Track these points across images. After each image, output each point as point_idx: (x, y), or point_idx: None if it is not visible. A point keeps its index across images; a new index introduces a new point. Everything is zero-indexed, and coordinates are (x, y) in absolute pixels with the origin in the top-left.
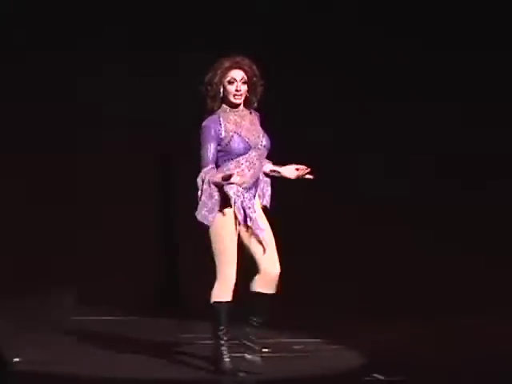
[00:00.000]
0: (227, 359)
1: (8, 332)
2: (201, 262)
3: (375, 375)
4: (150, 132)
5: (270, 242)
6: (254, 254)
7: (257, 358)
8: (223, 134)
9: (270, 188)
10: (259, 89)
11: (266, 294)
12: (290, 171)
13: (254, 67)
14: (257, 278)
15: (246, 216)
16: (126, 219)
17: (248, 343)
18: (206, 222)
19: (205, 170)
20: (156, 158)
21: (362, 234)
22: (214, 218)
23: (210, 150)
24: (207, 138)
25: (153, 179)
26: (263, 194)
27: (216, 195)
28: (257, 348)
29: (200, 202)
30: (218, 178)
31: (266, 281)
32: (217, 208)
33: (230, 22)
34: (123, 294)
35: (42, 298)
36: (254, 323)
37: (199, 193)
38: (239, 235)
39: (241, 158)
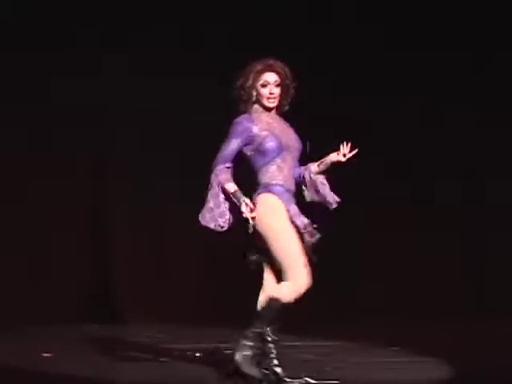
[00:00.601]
0: (277, 365)
1: None
2: (134, 266)
3: (306, 379)
4: (81, 132)
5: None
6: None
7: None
8: (255, 131)
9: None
10: (291, 92)
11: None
12: (336, 155)
13: (287, 69)
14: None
15: (302, 219)
16: (56, 224)
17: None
18: (212, 227)
19: (218, 168)
20: (85, 160)
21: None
22: (225, 222)
23: (232, 145)
24: (234, 133)
25: (83, 182)
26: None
27: (225, 200)
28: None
29: (206, 206)
30: (231, 189)
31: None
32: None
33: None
34: (50, 301)
35: None
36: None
37: (208, 193)
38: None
39: (278, 159)
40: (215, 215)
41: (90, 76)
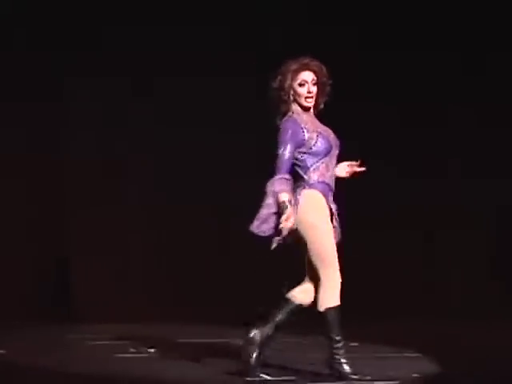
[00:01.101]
0: (345, 364)
1: None
2: (91, 266)
3: (262, 375)
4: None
5: None
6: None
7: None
8: (306, 135)
9: None
10: (328, 89)
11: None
12: (342, 170)
13: (323, 68)
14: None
15: (332, 216)
16: (13, 223)
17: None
18: (260, 233)
19: (275, 178)
20: (38, 158)
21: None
22: (268, 229)
23: (287, 153)
24: (286, 140)
25: (39, 181)
26: None
27: (274, 208)
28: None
29: (259, 213)
30: (282, 198)
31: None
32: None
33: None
34: (9, 299)
35: None
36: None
37: (263, 204)
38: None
39: (327, 158)
40: (263, 224)
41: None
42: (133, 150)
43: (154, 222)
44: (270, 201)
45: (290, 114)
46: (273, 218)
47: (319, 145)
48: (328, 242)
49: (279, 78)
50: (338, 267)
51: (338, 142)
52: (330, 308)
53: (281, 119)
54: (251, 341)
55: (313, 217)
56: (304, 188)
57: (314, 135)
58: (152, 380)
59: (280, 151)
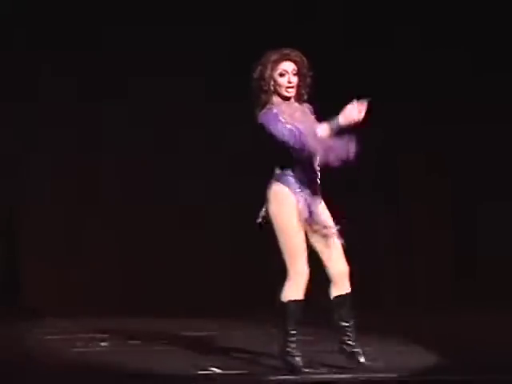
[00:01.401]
0: (297, 357)
1: None
2: (42, 260)
3: (212, 368)
4: None
5: (336, 240)
6: (320, 254)
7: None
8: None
9: None
10: (308, 80)
11: (342, 295)
12: (348, 115)
13: (304, 58)
14: (330, 283)
15: (310, 212)
16: None
17: (346, 348)
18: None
19: (309, 143)
20: None
21: None
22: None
23: (285, 126)
24: (271, 120)
25: None
26: None
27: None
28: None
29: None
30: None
31: (336, 282)
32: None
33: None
34: None
35: None
36: (344, 326)
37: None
38: (306, 234)
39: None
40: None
41: None
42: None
43: (107, 220)
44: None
45: (268, 106)
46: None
47: None
48: (291, 238)
49: (259, 68)
50: (303, 263)
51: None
52: (291, 301)
53: (260, 110)
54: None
55: (277, 211)
56: (272, 182)
57: (288, 127)
58: (108, 372)
59: (279, 131)
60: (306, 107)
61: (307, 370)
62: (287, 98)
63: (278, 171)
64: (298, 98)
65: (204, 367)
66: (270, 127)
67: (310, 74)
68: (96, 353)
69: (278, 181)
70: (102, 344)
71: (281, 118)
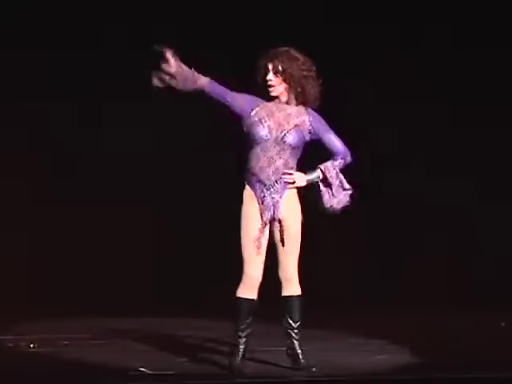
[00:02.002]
0: (238, 357)
1: None
2: None
3: (142, 369)
4: None
5: (291, 243)
6: (277, 253)
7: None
8: (252, 113)
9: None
10: (308, 85)
11: (290, 296)
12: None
13: (296, 58)
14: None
15: (273, 213)
16: None
17: (289, 350)
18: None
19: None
20: None
21: None
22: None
23: (235, 93)
24: (243, 93)
25: None
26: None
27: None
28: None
29: None
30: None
31: (284, 283)
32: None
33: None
34: None
35: None
36: (289, 327)
37: None
38: (271, 234)
39: (259, 148)
40: None
41: None
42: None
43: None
44: None
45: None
46: None
47: (252, 129)
48: (247, 241)
49: (257, 65)
50: (254, 267)
51: (289, 141)
52: (240, 298)
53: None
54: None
55: (242, 212)
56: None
57: (255, 119)
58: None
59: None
60: (307, 113)
61: (236, 370)
62: (274, 98)
63: (245, 166)
64: (291, 100)
65: (135, 367)
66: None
67: (310, 74)
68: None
69: (245, 181)
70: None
71: (248, 99)
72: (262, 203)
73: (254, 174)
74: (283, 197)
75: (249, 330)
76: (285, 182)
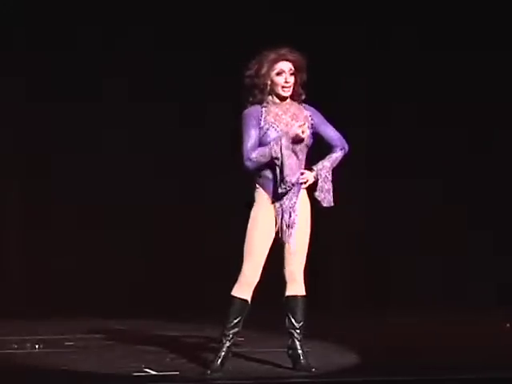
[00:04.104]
0: (219, 357)
1: None
2: None
3: (146, 369)
4: None
5: (300, 243)
6: (283, 253)
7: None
8: (262, 123)
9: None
10: (304, 80)
11: (294, 296)
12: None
13: (301, 58)
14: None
15: (290, 216)
16: None
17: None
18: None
19: (250, 157)
20: None
21: None
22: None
23: (251, 137)
24: (248, 124)
25: None
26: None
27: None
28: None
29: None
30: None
31: (288, 283)
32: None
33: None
34: None
35: None
36: (291, 327)
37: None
38: (279, 236)
39: None
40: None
41: None
42: None
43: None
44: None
45: (264, 104)
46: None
47: (266, 138)
48: (252, 238)
49: (256, 66)
50: (252, 268)
51: (305, 139)
52: (233, 296)
53: (249, 106)
54: None
55: (254, 214)
56: (256, 184)
57: (266, 126)
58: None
59: (245, 137)
60: (304, 108)
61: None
62: (283, 98)
63: (259, 172)
64: (295, 98)
65: (139, 368)
66: (243, 124)
67: (306, 74)
68: (28, 354)
69: (259, 184)
70: (36, 346)
71: (254, 121)
72: (280, 206)
73: (267, 178)
74: (299, 197)
75: (236, 330)
76: (299, 183)
